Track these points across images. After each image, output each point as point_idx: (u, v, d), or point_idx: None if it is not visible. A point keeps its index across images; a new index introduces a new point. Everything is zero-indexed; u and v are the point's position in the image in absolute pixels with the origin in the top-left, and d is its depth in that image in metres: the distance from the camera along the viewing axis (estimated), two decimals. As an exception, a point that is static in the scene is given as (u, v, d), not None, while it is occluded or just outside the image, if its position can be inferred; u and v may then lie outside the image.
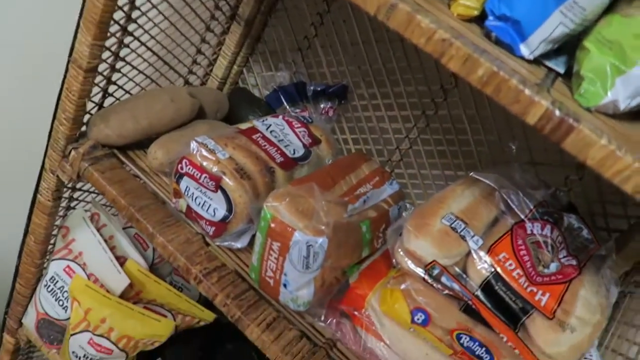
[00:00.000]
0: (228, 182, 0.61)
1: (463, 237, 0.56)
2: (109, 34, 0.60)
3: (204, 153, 0.62)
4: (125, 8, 0.63)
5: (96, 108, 0.70)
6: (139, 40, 0.68)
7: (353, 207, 0.64)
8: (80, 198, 0.85)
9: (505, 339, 0.54)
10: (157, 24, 0.70)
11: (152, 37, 0.71)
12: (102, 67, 0.65)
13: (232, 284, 0.63)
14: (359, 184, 0.71)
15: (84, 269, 0.79)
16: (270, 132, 0.71)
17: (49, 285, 0.80)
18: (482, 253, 0.55)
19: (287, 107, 0.85)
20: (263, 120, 0.73)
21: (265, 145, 0.68)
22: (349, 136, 0.86)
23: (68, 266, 0.79)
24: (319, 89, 0.83)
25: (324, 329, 0.65)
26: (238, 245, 0.65)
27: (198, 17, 0.75)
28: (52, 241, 0.83)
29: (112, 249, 0.79)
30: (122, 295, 0.76)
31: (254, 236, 0.62)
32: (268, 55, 0.88)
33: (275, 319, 0.62)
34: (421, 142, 0.81)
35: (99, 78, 0.67)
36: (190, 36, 0.77)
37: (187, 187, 0.64)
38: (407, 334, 0.61)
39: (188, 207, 0.65)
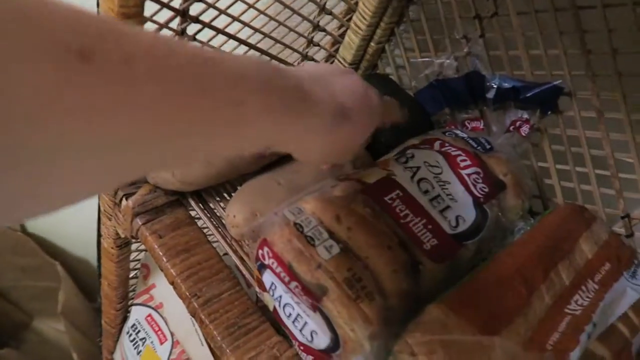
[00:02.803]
0: (332, 307, 0.34)
1: None
2: None
3: (296, 244, 0.36)
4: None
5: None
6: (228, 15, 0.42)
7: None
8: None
9: None
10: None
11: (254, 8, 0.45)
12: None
13: None
14: (576, 285, 0.39)
15: (167, 324, 0.61)
16: (418, 182, 0.42)
17: (131, 334, 0.65)
18: None
19: (449, 114, 0.54)
20: (405, 159, 0.43)
21: (407, 217, 0.39)
22: (553, 165, 0.51)
23: (150, 315, 0.63)
24: (507, 85, 0.50)
25: None
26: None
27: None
28: (133, 276, 0.66)
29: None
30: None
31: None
32: (424, 24, 0.55)
33: None
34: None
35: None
36: (302, 7, 0.48)
37: (272, 284, 0.39)
38: None
39: (275, 309, 0.41)
